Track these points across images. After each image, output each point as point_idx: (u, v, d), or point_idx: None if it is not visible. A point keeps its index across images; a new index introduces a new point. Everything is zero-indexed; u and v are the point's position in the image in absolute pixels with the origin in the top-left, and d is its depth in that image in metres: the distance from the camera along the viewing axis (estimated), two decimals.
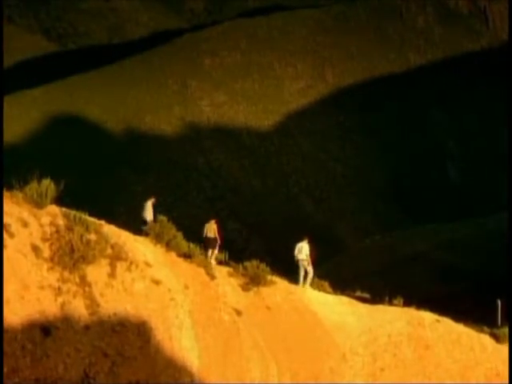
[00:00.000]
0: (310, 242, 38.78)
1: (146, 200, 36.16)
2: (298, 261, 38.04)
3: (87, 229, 27.89)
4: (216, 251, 36.13)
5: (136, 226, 32.97)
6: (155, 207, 35.97)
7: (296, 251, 38.36)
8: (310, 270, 37.87)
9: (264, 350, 31.07)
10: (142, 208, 35.77)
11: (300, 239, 38.91)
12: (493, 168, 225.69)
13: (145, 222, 34.69)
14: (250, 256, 36.21)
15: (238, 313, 31.44)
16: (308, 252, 38.33)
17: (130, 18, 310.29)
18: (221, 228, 37.31)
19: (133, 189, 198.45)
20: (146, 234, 32.68)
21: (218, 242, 36.43)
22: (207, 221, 37.33)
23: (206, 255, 34.89)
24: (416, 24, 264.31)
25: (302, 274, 37.76)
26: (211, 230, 36.76)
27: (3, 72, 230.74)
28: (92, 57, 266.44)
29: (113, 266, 27.61)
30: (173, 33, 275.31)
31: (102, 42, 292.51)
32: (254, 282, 33.15)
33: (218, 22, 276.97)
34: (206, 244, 35.93)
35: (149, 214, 35.47)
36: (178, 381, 27.69)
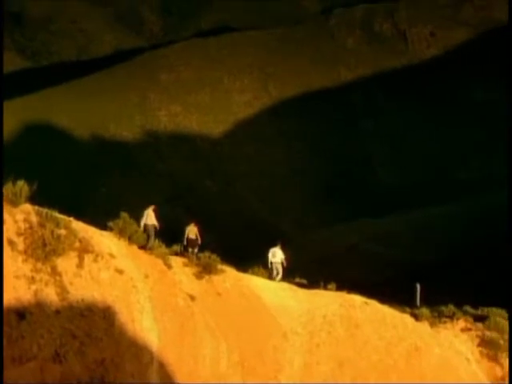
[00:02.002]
0: (282, 248, 38.90)
1: (146, 208, 36.15)
2: (271, 263, 38.11)
3: (57, 225, 27.76)
4: (196, 250, 36.16)
5: (102, 222, 32.76)
6: (156, 214, 36.05)
7: (270, 255, 38.47)
8: (281, 271, 37.89)
9: (215, 330, 31.04)
10: (142, 215, 35.67)
11: (274, 244, 39.02)
12: (417, 168, 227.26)
13: (145, 228, 34.67)
14: (203, 248, 36.12)
15: (192, 298, 31.40)
16: (283, 256, 38.37)
17: (95, 38, 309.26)
18: (200, 230, 37.39)
19: (98, 189, 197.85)
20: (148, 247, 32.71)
21: (199, 242, 36.53)
22: (187, 224, 37.46)
23: (188, 252, 34.99)
24: (347, 44, 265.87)
25: (275, 273, 37.88)
26: (193, 232, 36.89)
27: None
28: (62, 72, 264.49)
29: (81, 258, 27.52)
30: (134, 51, 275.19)
31: (71, 59, 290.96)
32: (206, 270, 33.12)
33: (174, 41, 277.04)
34: (188, 244, 36.02)
35: (150, 219, 35.39)
36: (140, 358, 27.63)
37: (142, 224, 34.51)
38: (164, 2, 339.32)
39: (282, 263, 38.07)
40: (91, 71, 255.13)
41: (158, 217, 35.95)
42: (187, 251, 35.50)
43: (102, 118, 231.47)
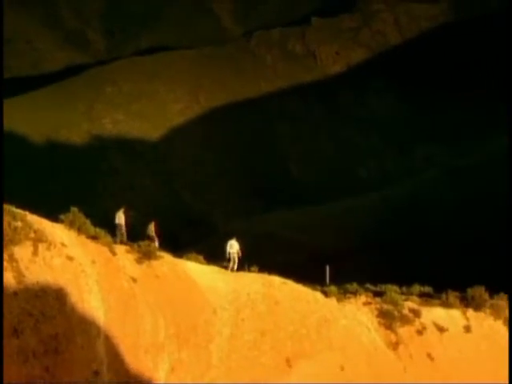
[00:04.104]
0: (237, 240, 38.68)
1: (118, 210, 36.28)
2: (229, 253, 37.86)
3: (14, 218, 27.29)
4: (157, 243, 35.93)
5: (54, 215, 32.25)
6: (126, 214, 36.10)
7: (228, 247, 38.17)
8: (236, 260, 37.65)
9: (154, 308, 30.84)
10: (114, 216, 35.88)
11: (230, 238, 38.78)
12: (324, 167, 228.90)
13: (116, 226, 34.87)
14: (144, 238, 35.84)
15: (134, 280, 31.16)
16: (238, 247, 38.11)
17: (48, 56, 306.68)
18: (157, 227, 37.18)
19: (52, 188, 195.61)
20: (120, 240, 32.75)
21: (156, 238, 36.34)
22: (149, 222, 37.33)
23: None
24: (265, 61, 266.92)
25: (232, 263, 37.64)
26: (152, 229, 36.76)
27: None
28: (20, 86, 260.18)
29: (35, 247, 27.08)
30: (81, 67, 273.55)
31: (27, 74, 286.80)
32: (146, 256, 32.87)
33: (117, 58, 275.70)
34: (149, 239, 35.82)
35: (120, 219, 35.63)
36: (89, 332, 27.29)
37: (115, 223, 34.95)
38: (107, 25, 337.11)
39: (238, 253, 37.89)
40: (45, 85, 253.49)
41: (128, 217, 36.02)
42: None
43: (55, 125, 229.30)
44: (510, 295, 39.71)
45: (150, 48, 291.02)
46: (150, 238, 36.26)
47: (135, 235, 36.19)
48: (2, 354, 22.76)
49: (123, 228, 35.44)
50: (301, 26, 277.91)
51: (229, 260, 37.79)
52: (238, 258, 37.82)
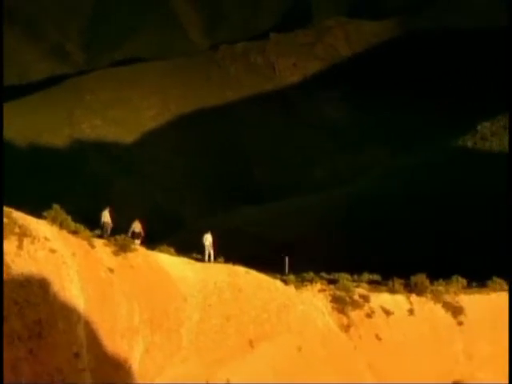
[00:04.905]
0: (211, 234, 38.45)
1: (103, 210, 36.24)
2: (204, 246, 37.66)
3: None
4: (139, 241, 35.70)
5: (37, 213, 31.96)
6: (111, 214, 35.99)
7: (203, 239, 37.90)
8: (212, 252, 37.43)
9: (129, 296, 30.72)
10: (100, 215, 35.74)
11: (205, 232, 38.58)
12: (283, 169, 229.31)
13: (102, 225, 34.69)
14: (120, 232, 35.64)
15: (111, 271, 31.01)
16: (211, 240, 37.87)
17: (32, 67, 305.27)
18: (144, 225, 36.94)
19: (36, 188, 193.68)
20: (102, 236, 32.64)
21: (142, 234, 36.07)
22: (133, 220, 37.02)
23: (134, 242, 34.46)
24: (230, 72, 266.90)
25: (207, 254, 37.39)
26: (138, 226, 36.47)
27: None
28: (6, 94, 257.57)
29: (20, 241, 26.88)
30: (63, 77, 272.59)
31: (13, 83, 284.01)
32: (122, 249, 32.72)
33: (95, 69, 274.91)
34: (133, 235, 35.57)
35: (106, 218, 35.52)
36: (70, 318, 27.12)
37: (101, 221, 34.99)
38: (86, 39, 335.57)
39: (212, 245, 37.71)
40: (29, 93, 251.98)
41: (113, 216, 35.91)
42: (133, 240, 35.00)
43: (38, 130, 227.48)
44: (510, 294, 39.37)
45: (125, 60, 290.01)
46: (136, 235, 35.98)
47: (119, 232, 35.92)
48: (2, 357, 22.44)
49: (109, 226, 35.42)
50: (261, 40, 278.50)
51: (204, 252, 37.69)
52: (213, 249, 37.73)
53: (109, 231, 34.69)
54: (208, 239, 38.07)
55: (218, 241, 39.14)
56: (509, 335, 38.44)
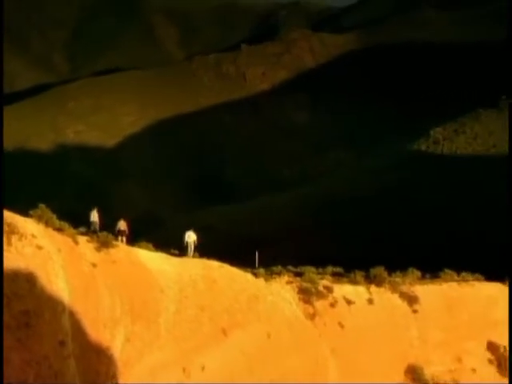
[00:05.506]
0: (195, 231, 38.10)
1: (92, 209, 36.11)
2: (187, 243, 37.32)
3: None
4: (125, 238, 35.44)
5: (24, 212, 31.72)
6: (99, 213, 35.90)
7: (186, 237, 37.44)
8: (193, 247, 37.06)
9: (112, 288, 30.65)
10: (89, 214, 35.59)
11: (188, 229, 38.24)
12: (255, 169, 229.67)
13: (91, 224, 34.55)
14: (102, 229, 35.49)
15: (94, 265, 30.90)
16: (195, 237, 37.54)
17: (19, 76, 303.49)
18: (129, 223, 36.69)
19: (25, 188, 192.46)
20: (94, 232, 32.51)
21: (127, 232, 35.81)
22: (118, 219, 36.66)
23: (119, 240, 34.20)
24: (204, 81, 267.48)
25: (189, 251, 37.14)
26: (123, 225, 36.14)
27: None
28: None
29: (9, 238, 26.73)
30: (48, 85, 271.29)
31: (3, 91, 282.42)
32: (104, 245, 32.57)
33: (78, 78, 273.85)
34: (119, 233, 35.28)
35: (94, 217, 35.34)
36: (56, 309, 27.04)
37: (90, 220, 34.86)
38: (70, 50, 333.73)
39: (194, 242, 37.50)
40: (16, 101, 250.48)
41: (101, 216, 35.77)
42: (117, 239, 34.77)
43: (25, 135, 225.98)
44: (510, 294, 39.18)
45: (106, 69, 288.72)
46: (121, 232, 35.75)
47: (107, 230, 35.76)
48: (2, 355, 22.32)
49: (97, 225, 35.31)
50: (233, 51, 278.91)
51: (186, 248, 37.50)
52: (195, 246, 37.55)
53: (97, 230, 34.52)
54: (191, 236, 37.85)
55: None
56: (509, 335, 38.32)
